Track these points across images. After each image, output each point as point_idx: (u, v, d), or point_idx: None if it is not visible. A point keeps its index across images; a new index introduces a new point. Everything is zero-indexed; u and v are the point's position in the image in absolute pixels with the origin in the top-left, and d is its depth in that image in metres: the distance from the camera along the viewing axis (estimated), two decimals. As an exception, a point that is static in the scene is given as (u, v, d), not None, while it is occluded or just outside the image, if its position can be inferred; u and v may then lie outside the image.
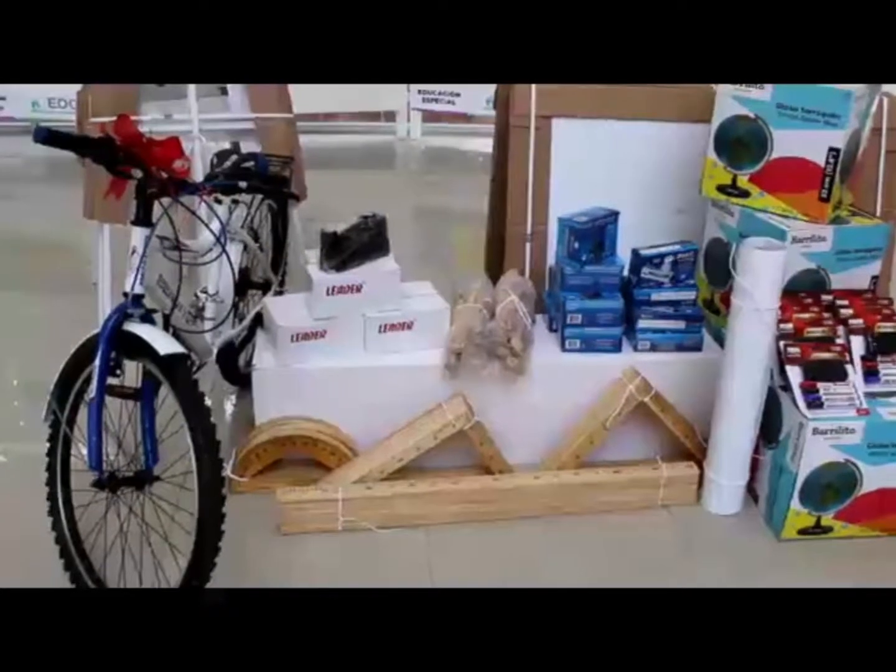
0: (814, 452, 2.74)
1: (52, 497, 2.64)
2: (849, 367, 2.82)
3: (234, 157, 3.08)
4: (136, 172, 2.37)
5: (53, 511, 2.64)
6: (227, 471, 2.83)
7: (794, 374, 2.81)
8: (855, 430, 2.72)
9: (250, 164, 3.05)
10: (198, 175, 3.41)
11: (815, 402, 2.75)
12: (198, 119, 3.70)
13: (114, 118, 2.38)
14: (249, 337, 3.40)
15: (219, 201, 2.87)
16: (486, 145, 6.35)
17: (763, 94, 2.91)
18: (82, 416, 2.53)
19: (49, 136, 2.16)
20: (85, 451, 2.41)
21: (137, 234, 2.42)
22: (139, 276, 2.40)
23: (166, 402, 2.50)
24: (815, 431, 2.71)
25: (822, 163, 2.87)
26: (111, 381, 2.41)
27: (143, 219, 2.41)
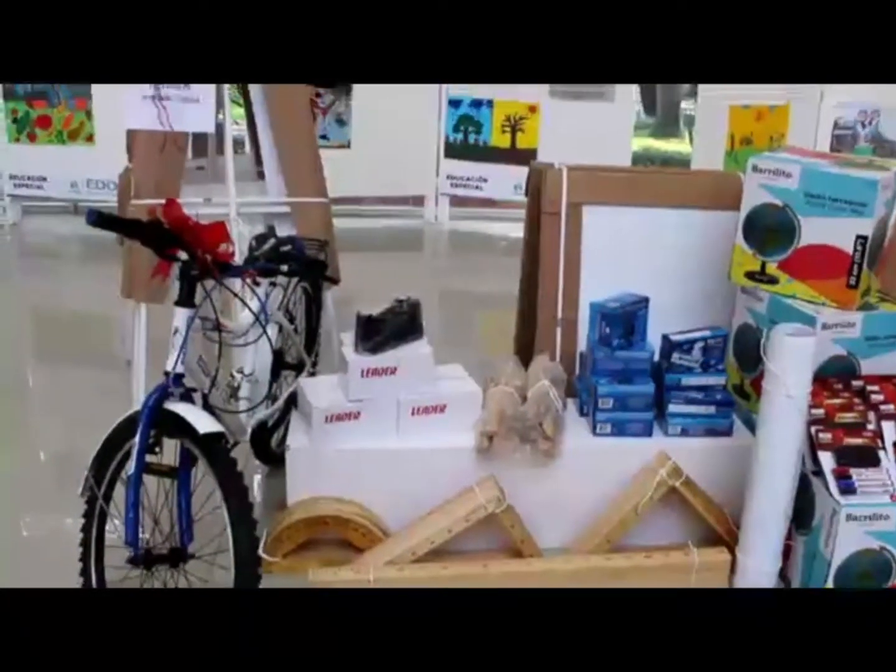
0: (848, 539, 2.72)
1: (84, 573, 2.65)
2: (881, 453, 2.82)
3: (272, 241, 3.15)
4: (182, 255, 2.45)
5: (86, 587, 2.65)
6: (259, 550, 2.84)
7: (827, 460, 2.81)
8: (889, 516, 2.71)
9: (288, 247, 3.12)
10: (236, 256, 3.49)
11: (848, 488, 2.74)
12: (235, 202, 3.80)
13: (156, 200, 2.47)
14: (282, 417, 3.43)
15: (257, 284, 2.93)
16: (511, 230, 6.49)
17: (791, 182, 2.97)
18: (118, 492, 2.57)
19: (101, 219, 2.24)
20: (120, 528, 2.44)
21: (180, 315, 2.48)
22: (181, 356, 2.45)
23: (197, 480, 2.54)
24: (849, 518, 2.70)
25: (850, 250, 2.90)
26: (149, 458, 2.45)
27: (187, 300, 2.47)
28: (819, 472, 2.81)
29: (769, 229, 3.05)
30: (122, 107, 3.69)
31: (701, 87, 7.26)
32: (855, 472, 2.77)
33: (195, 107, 3.62)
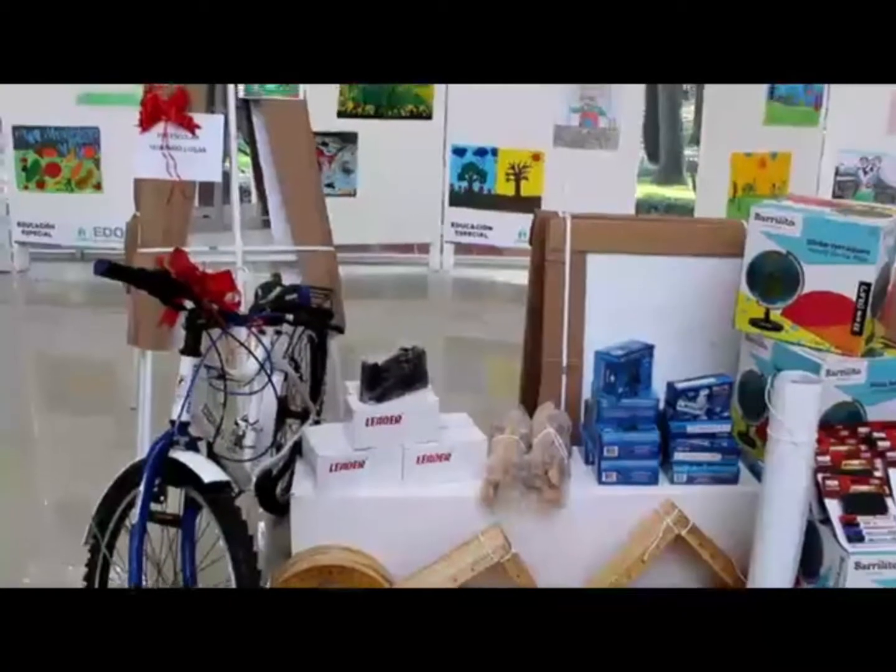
0: (856, 587, 2.70)
1: (88, 624, 2.63)
2: (889, 501, 2.81)
3: (278, 289, 3.17)
4: (188, 304, 2.46)
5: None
6: (263, 600, 2.82)
7: (834, 508, 2.79)
8: (898, 565, 2.69)
9: (294, 296, 3.14)
10: (242, 305, 3.51)
11: (855, 536, 2.72)
12: (241, 251, 3.82)
13: (164, 249, 2.49)
14: (287, 465, 3.43)
15: (263, 332, 2.94)
16: (516, 277, 6.53)
17: (793, 230, 2.98)
18: (122, 541, 2.56)
19: (109, 269, 2.26)
20: (123, 576, 2.43)
21: (186, 364, 2.49)
22: (186, 405, 2.46)
23: (201, 529, 2.54)
24: (858, 566, 2.68)
25: (853, 297, 2.91)
26: (154, 506, 2.45)
27: (193, 349, 2.49)
28: (826, 520, 2.79)
29: (772, 277, 3.06)
30: (130, 155, 3.73)
31: (704, 134, 7.34)
32: (862, 520, 2.76)
33: (202, 156, 3.65)
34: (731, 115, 6.81)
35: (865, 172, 7.34)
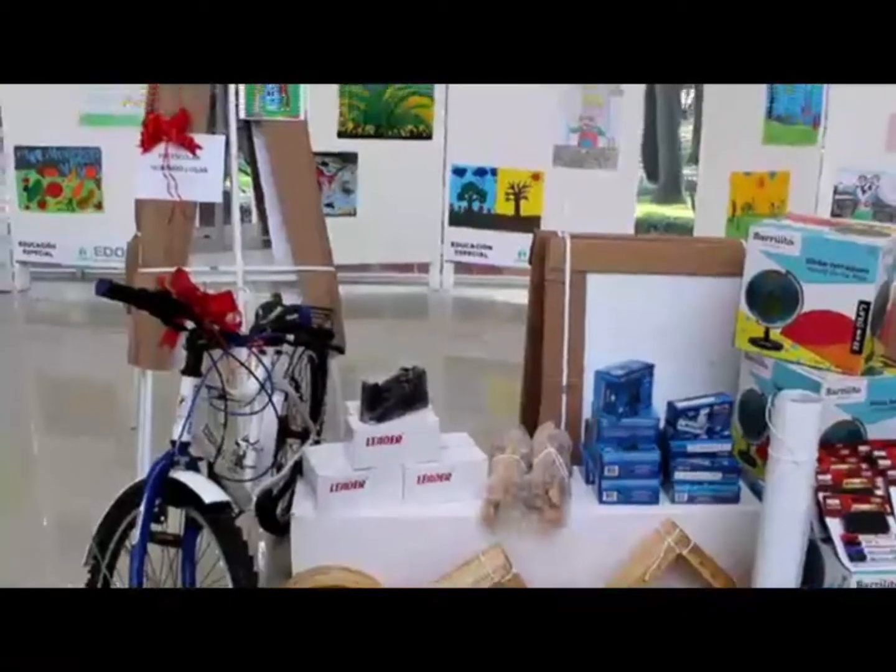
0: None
1: (88, 645, 2.62)
2: (890, 519, 2.80)
3: (278, 309, 3.17)
4: (189, 324, 2.47)
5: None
6: (264, 620, 2.81)
7: (835, 527, 2.79)
8: (900, 584, 2.68)
9: (294, 316, 3.14)
10: (243, 325, 3.51)
11: (857, 555, 2.72)
12: (242, 271, 3.83)
13: (165, 269, 2.50)
14: (287, 485, 3.42)
15: (263, 352, 2.95)
16: (516, 296, 6.55)
17: (792, 249, 2.99)
18: (122, 561, 2.56)
19: (110, 289, 2.26)
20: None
21: (187, 384, 2.49)
22: (187, 425, 2.46)
23: (202, 550, 2.53)
24: (860, 585, 2.67)
25: (852, 316, 2.92)
26: (154, 527, 2.45)
27: (193, 369, 2.49)
28: (828, 539, 2.79)
29: (772, 296, 3.07)
30: (131, 176, 3.75)
31: (702, 153, 7.37)
32: (864, 539, 2.75)
33: (203, 176, 3.67)
34: (730, 134, 6.84)
35: (864, 191, 7.36)
